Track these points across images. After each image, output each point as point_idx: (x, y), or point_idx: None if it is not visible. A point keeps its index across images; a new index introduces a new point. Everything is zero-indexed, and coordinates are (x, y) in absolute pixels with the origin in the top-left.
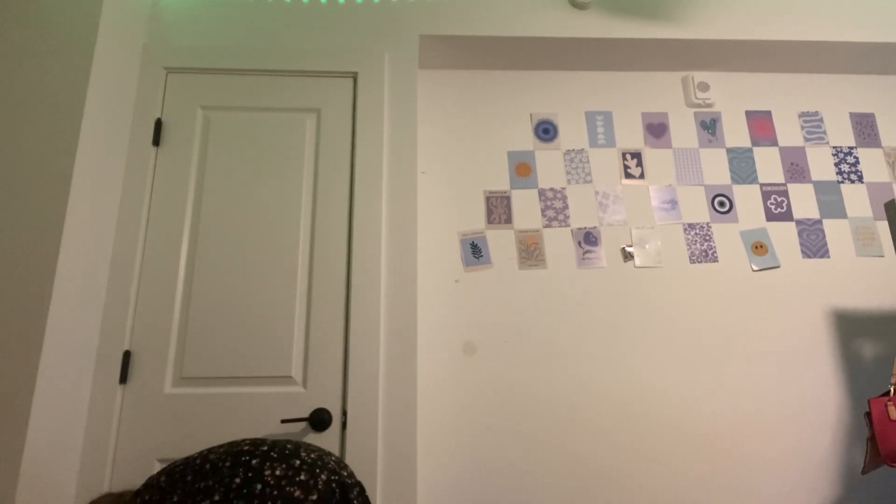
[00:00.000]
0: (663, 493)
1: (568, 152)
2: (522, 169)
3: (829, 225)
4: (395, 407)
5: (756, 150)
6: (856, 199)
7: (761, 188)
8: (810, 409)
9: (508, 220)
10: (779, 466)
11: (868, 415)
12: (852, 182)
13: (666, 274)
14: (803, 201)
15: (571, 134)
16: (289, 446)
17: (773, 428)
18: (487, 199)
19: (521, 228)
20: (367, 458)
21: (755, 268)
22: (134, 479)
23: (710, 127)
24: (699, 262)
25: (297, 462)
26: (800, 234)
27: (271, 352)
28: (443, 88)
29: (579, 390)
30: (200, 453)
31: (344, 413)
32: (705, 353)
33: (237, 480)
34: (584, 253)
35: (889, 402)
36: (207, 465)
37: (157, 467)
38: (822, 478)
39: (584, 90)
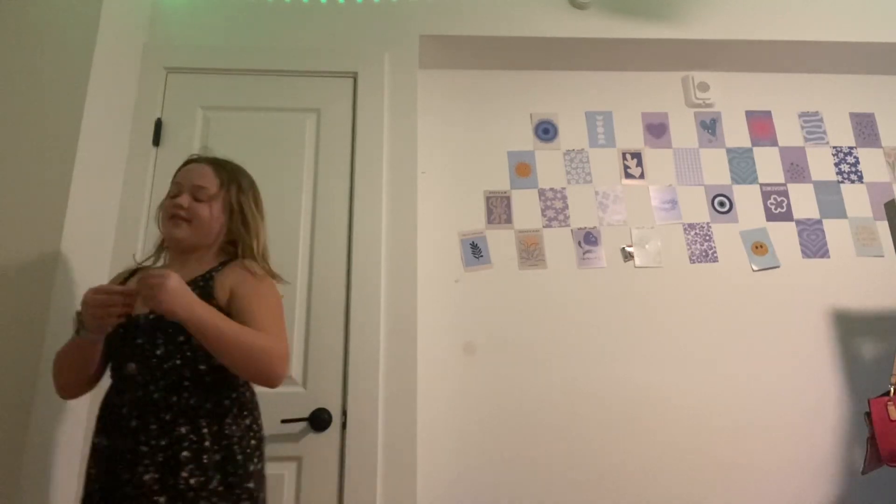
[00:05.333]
0: (663, 491)
1: (568, 152)
2: (522, 169)
3: (829, 225)
4: (395, 407)
5: (756, 150)
6: (856, 199)
7: (761, 188)
8: (810, 408)
9: (508, 220)
10: (779, 465)
11: (868, 415)
12: (852, 182)
13: (666, 274)
14: (803, 201)
15: (571, 134)
16: None
17: (772, 427)
18: (487, 199)
19: (521, 228)
20: (367, 458)
21: (755, 268)
22: None
23: (710, 127)
24: (699, 262)
25: None
26: (800, 234)
27: None
28: (443, 88)
29: (579, 390)
30: None
31: (344, 413)
32: (705, 352)
33: None
34: (584, 253)
35: (889, 402)
36: None
37: None
38: (822, 478)
39: (584, 90)
